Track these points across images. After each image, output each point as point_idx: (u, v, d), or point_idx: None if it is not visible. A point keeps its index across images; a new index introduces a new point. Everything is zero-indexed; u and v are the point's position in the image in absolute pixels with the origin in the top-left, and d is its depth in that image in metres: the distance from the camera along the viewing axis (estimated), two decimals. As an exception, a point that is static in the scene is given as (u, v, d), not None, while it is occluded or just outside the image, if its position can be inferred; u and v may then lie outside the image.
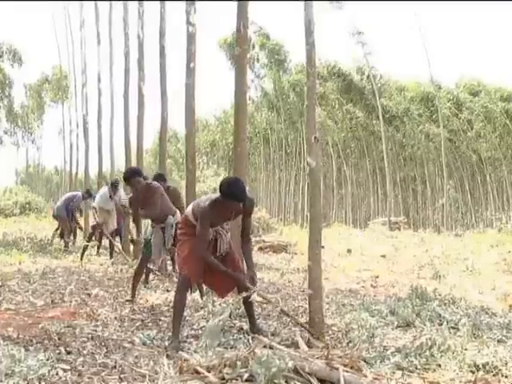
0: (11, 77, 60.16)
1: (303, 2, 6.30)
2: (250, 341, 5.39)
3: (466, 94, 53.63)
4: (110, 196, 14.02)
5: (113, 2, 22.22)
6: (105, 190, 14.36)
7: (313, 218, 6.16)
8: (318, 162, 6.14)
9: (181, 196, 11.79)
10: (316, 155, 6.11)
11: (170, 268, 11.68)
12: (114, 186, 14.16)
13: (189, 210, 6.40)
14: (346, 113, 55.01)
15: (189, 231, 6.28)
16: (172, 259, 11.51)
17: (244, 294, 5.96)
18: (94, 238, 15.01)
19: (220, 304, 7.35)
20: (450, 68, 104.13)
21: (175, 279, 10.75)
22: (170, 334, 6.21)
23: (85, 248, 14.07)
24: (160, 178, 11.58)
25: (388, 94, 54.19)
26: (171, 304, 7.95)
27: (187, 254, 6.18)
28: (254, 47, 52.08)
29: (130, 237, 14.09)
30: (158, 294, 9.09)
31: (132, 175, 8.82)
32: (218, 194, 5.93)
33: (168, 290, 9.54)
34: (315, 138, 6.08)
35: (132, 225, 14.54)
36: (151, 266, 10.53)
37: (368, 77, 50.67)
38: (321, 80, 52.91)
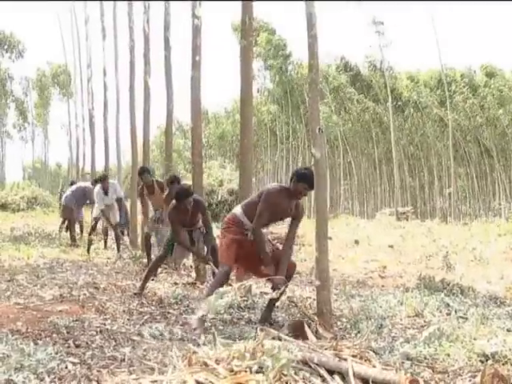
0: (11, 72, 60.85)
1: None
2: (259, 332, 5.40)
3: (483, 75, 53.49)
4: (105, 192, 13.89)
5: (118, 1, 22.35)
6: (97, 189, 14.20)
7: (319, 210, 6.16)
8: (323, 153, 6.13)
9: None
10: (321, 146, 6.10)
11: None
12: (102, 181, 13.99)
13: (238, 209, 6.72)
14: (356, 103, 55.00)
15: (236, 230, 6.57)
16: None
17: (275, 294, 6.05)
18: (95, 231, 14.93)
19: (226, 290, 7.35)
20: (461, 57, 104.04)
21: (183, 272, 10.79)
22: (179, 326, 6.24)
23: (90, 241, 14.07)
24: (145, 171, 11.69)
25: (400, 82, 54.23)
26: (179, 297, 7.99)
27: (235, 252, 6.48)
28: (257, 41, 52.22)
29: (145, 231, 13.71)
30: (167, 287, 9.11)
31: (185, 196, 8.60)
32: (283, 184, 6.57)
33: (176, 283, 9.56)
34: (319, 129, 6.08)
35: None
36: (171, 265, 10.61)
37: (381, 69, 50.76)
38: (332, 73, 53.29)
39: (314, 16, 6.18)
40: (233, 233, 6.56)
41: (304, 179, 6.24)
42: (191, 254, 10.04)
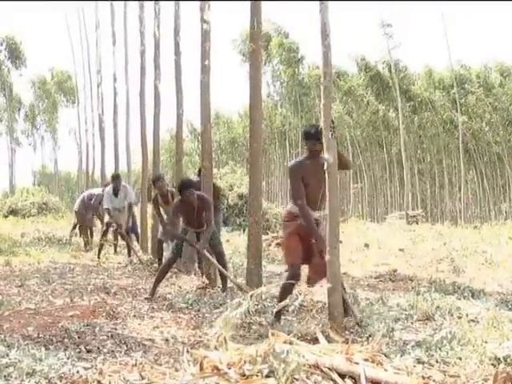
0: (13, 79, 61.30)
1: (318, 3, 6.30)
2: (270, 336, 5.40)
3: (497, 74, 53.23)
4: (115, 194, 13.96)
5: (128, 1, 22.36)
6: (108, 188, 14.36)
7: (330, 213, 6.16)
8: (335, 158, 6.15)
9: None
10: (333, 151, 6.13)
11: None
12: (114, 180, 14.13)
13: (289, 204, 7.11)
14: (367, 105, 55.02)
15: (292, 222, 6.84)
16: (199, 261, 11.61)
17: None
18: (107, 236, 14.90)
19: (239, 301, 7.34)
20: (476, 55, 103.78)
21: (192, 275, 10.79)
22: (192, 330, 6.27)
23: (100, 246, 14.08)
24: (160, 179, 11.83)
25: (413, 82, 54.18)
26: (190, 301, 7.99)
27: (298, 245, 6.79)
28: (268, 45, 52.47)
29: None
30: (177, 292, 9.11)
31: (186, 187, 8.85)
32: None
33: (185, 289, 9.56)
34: (332, 134, 6.11)
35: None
36: (182, 270, 10.63)
37: (391, 69, 50.71)
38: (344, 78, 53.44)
39: (328, 26, 6.20)
40: (291, 226, 6.84)
41: (307, 136, 6.86)
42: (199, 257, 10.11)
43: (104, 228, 14.72)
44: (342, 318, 6.12)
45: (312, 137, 6.70)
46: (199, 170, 11.10)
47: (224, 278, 8.91)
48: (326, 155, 6.14)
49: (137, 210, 16.76)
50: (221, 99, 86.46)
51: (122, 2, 22.82)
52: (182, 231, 9.00)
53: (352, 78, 56.15)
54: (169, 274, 10.66)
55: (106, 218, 14.56)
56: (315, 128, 6.81)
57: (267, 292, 7.27)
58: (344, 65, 57.02)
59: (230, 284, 9.22)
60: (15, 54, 57.70)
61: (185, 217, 9.27)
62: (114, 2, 25.58)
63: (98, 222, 17.52)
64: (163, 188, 11.69)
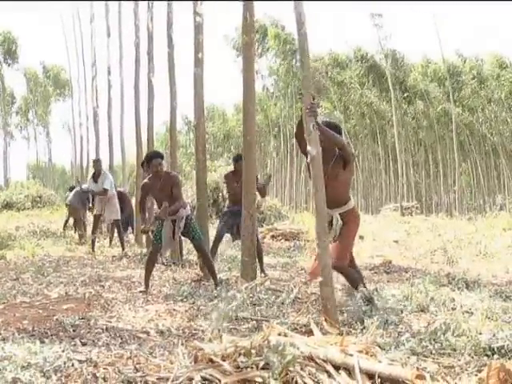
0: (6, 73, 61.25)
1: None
2: (265, 328, 5.40)
3: (493, 66, 53.16)
4: (95, 179, 14.09)
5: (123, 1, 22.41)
6: (90, 174, 14.70)
7: (317, 207, 6.14)
8: (319, 151, 6.10)
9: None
10: (316, 143, 6.08)
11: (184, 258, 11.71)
12: (94, 164, 14.44)
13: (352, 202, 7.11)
14: (361, 97, 55.01)
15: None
16: (180, 250, 11.63)
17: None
18: (97, 229, 14.89)
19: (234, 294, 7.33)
20: (469, 49, 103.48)
21: (188, 269, 10.79)
22: (186, 323, 6.27)
23: (93, 239, 14.06)
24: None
25: (408, 73, 54.17)
26: (185, 294, 7.98)
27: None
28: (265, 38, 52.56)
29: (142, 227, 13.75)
30: (172, 284, 9.11)
31: (154, 156, 8.75)
32: None
33: (180, 281, 9.55)
34: (313, 125, 6.07)
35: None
36: (161, 257, 10.58)
37: (385, 59, 50.63)
38: (338, 68, 53.36)
39: (304, 15, 6.20)
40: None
41: None
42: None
43: (93, 221, 14.73)
44: (334, 310, 6.12)
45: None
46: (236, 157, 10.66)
47: (213, 274, 8.86)
48: (309, 147, 6.09)
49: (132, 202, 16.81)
50: (216, 92, 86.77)
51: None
52: (159, 223, 8.90)
53: (348, 69, 56.13)
54: (163, 267, 10.69)
55: (95, 211, 14.54)
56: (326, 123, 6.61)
57: (262, 284, 7.29)
58: (342, 54, 57.17)
59: (224, 276, 9.26)
60: (11, 50, 57.59)
61: (153, 196, 9.19)
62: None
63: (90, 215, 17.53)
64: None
